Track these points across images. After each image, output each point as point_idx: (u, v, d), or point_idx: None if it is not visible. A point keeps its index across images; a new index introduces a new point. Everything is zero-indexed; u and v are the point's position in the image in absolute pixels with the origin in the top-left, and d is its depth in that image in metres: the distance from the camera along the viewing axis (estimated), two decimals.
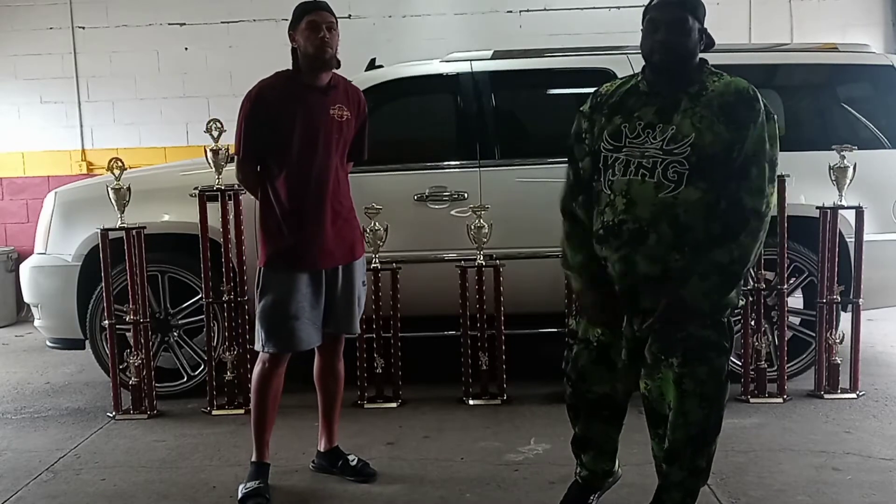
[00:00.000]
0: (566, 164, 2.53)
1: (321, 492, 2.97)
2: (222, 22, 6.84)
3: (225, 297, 3.89)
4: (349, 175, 3.02)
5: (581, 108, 2.51)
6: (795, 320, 4.17)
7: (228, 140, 3.64)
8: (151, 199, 4.08)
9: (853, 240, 3.90)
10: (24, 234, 6.70)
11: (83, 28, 6.90)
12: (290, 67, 2.87)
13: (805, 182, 3.95)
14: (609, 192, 2.34)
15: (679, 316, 2.26)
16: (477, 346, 3.94)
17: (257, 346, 2.90)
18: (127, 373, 3.92)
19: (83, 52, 6.90)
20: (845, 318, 4.03)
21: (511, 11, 6.79)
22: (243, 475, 2.95)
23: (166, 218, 4.12)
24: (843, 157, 3.81)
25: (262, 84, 2.86)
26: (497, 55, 4.34)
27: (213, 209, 3.83)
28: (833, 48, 4.42)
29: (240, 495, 2.84)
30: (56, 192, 4.33)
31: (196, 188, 3.83)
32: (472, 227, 3.85)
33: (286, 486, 3.01)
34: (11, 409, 4.14)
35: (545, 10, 6.79)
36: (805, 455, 3.19)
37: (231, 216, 3.85)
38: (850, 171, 3.81)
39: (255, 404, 2.95)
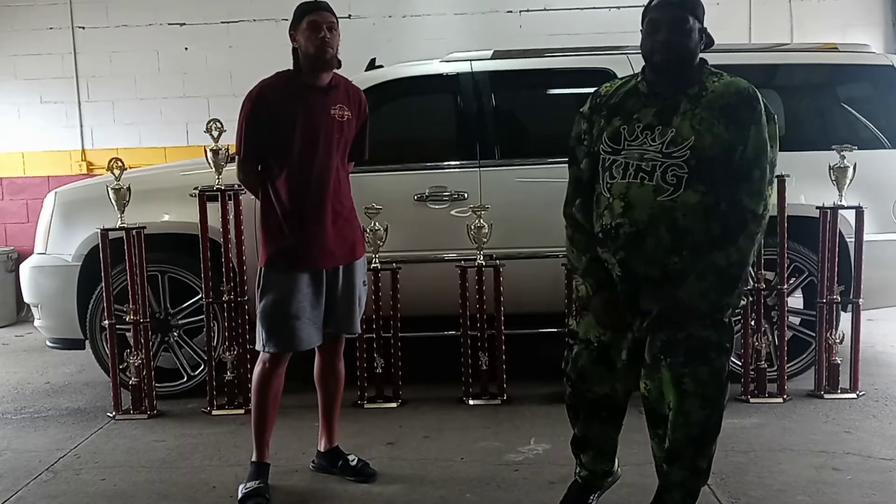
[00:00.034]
0: (567, 166, 2.54)
1: (321, 492, 2.97)
2: (222, 22, 6.84)
3: (225, 297, 3.89)
4: (350, 175, 3.03)
5: (581, 110, 2.51)
6: (795, 320, 4.17)
7: (228, 140, 3.65)
8: (151, 199, 4.08)
9: (853, 240, 3.90)
10: (24, 234, 6.70)
11: (83, 28, 6.90)
12: (291, 67, 2.87)
13: (805, 182, 3.96)
14: (608, 195, 2.34)
15: (677, 316, 2.26)
16: (477, 346, 3.94)
17: (258, 346, 2.90)
18: (127, 373, 3.92)
19: (83, 52, 6.90)
20: (845, 318, 4.03)
21: (511, 11, 6.79)
22: (243, 475, 2.95)
23: (166, 218, 4.12)
24: (843, 157, 3.81)
25: (263, 84, 2.86)
26: (497, 55, 4.33)
27: (213, 209, 3.83)
28: (833, 48, 4.42)
29: (240, 495, 2.84)
30: (56, 192, 4.33)
31: (196, 188, 3.83)
32: (472, 227, 3.85)
33: (286, 486, 3.01)
34: (11, 409, 4.14)
35: (545, 10, 6.79)
36: (805, 455, 3.19)
37: (231, 216, 3.85)
38: (850, 171, 3.81)
39: (255, 404, 2.95)
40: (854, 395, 3.91)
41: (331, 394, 3.10)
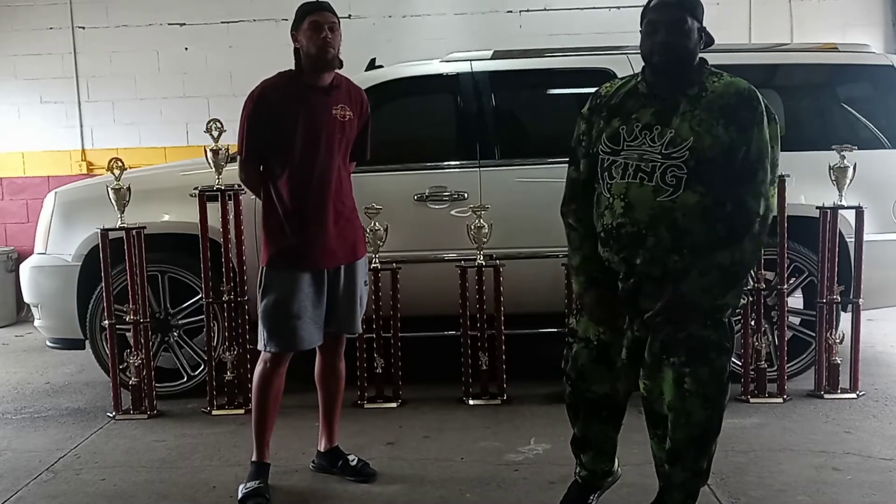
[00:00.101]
0: (567, 166, 2.54)
1: (321, 492, 2.97)
2: (222, 22, 6.84)
3: (225, 297, 3.89)
4: (351, 175, 3.03)
5: (581, 111, 2.51)
6: (795, 320, 4.17)
7: (228, 140, 3.65)
8: (151, 199, 4.08)
9: (853, 240, 3.90)
10: (24, 234, 6.70)
11: (83, 28, 6.90)
12: (293, 68, 2.87)
13: (805, 182, 3.96)
14: (608, 196, 2.34)
15: (678, 314, 2.26)
16: (477, 346, 3.94)
17: (259, 346, 2.90)
18: (127, 373, 3.92)
19: (83, 52, 6.90)
20: (845, 318, 4.04)
21: (511, 11, 6.79)
22: (243, 475, 2.95)
23: (166, 218, 4.12)
24: (843, 157, 3.81)
25: (265, 84, 2.87)
26: (497, 55, 4.33)
27: (213, 209, 3.83)
28: (833, 48, 4.42)
29: (240, 495, 2.84)
30: (56, 192, 4.33)
31: (196, 188, 3.83)
32: (472, 227, 3.85)
33: (286, 486, 3.01)
34: (11, 409, 4.14)
35: (545, 10, 6.79)
36: (805, 455, 3.19)
37: (231, 216, 3.85)
38: (850, 171, 3.81)
39: (256, 404, 2.94)
40: (854, 395, 3.91)
41: (331, 394, 3.10)
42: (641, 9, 2.38)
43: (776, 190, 2.33)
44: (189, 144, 6.74)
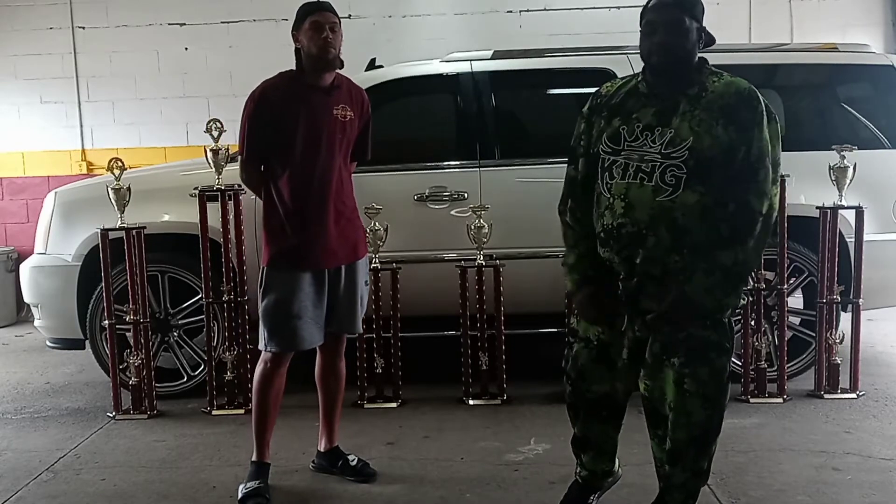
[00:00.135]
0: (567, 166, 2.54)
1: (321, 492, 2.97)
2: (222, 22, 6.84)
3: (225, 297, 3.89)
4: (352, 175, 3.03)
5: (582, 110, 2.51)
6: (795, 320, 4.17)
7: (228, 140, 3.65)
8: (151, 199, 4.08)
9: (853, 240, 3.90)
10: (24, 234, 6.70)
11: (83, 28, 6.90)
12: (294, 68, 2.87)
13: (805, 182, 3.96)
14: (608, 196, 2.34)
15: (681, 315, 2.26)
16: (477, 346, 3.94)
17: (260, 346, 2.90)
18: (127, 373, 3.92)
19: (83, 52, 6.90)
20: (845, 318, 4.04)
21: (511, 11, 6.79)
22: (243, 475, 2.95)
23: (166, 218, 4.11)
24: (843, 157, 3.81)
25: (266, 84, 2.87)
26: (497, 55, 4.33)
27: (213, 209, 3.83)
28: (833, 48, 4.42)
29: (240, 495, 2.84)
30: (56, 192, 4.33)
31: (196, 188, 3.83)
32: (472, 227, 3.85)
33: (286, 486, 3.01)
34: (11, 409, 4.14)
35: (545, 10, 6.79)
36: (805, 455, 3.19)
37: (231, 216, 3.85)
38: (850, 171, 3.81)
39: (256, 404, 2.94)
40: (854, 395, 3.92)
41: (332, 394, 3.10)
42: (641, 9, 2.38)
43: (778, 189, 2.33)
44: (189, 144, 6.74)
